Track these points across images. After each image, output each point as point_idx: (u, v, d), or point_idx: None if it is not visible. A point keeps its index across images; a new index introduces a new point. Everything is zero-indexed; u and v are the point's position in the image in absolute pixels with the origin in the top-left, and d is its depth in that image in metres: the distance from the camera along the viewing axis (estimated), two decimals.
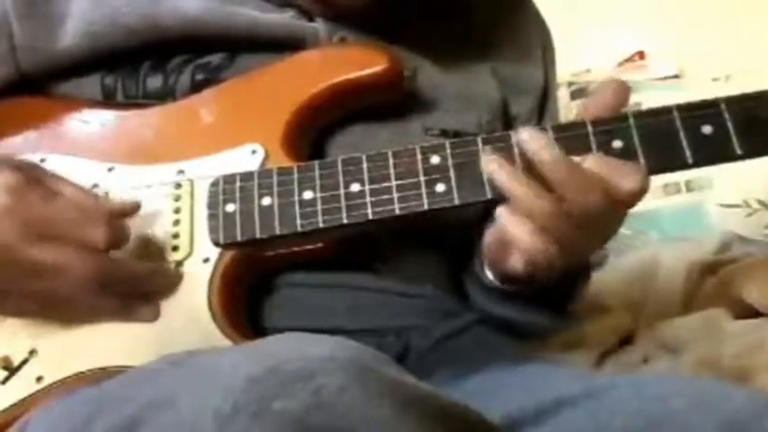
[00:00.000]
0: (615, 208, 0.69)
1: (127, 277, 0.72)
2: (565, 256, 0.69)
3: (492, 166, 0.69)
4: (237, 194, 0.74)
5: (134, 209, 0.74)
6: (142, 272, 0.73)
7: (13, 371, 0.72)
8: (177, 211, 0.76)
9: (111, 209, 0.72)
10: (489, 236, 0.74)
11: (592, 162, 0.68)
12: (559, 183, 0.67)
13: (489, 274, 0.78)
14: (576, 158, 0.68)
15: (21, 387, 0.71)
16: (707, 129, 0.69)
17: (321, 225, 0.72)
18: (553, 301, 0.80)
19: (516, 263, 0.71)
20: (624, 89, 0.72)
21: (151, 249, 0.74)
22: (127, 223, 0.72)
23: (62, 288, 0.68)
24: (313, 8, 0.85)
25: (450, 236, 0.84)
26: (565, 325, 0.84)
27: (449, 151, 0.72)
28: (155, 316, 0.73)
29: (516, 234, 0.68)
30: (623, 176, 0.67)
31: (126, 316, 0.72)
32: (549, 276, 0.72)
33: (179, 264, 0.74)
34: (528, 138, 0.69)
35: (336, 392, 0.49)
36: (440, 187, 0.71)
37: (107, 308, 0.72)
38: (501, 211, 0.69)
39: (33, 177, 0.70)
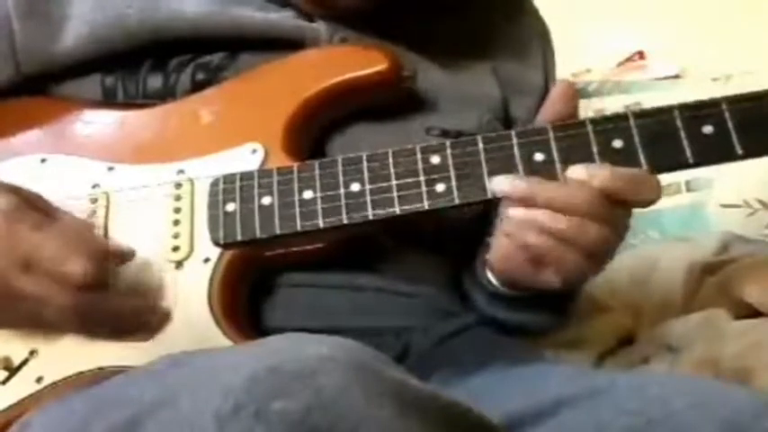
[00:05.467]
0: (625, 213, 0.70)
1: (110, 316, 0.69)
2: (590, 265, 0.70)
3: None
4: (238, 194, 0.74)
5: (128, 256, 0.72)
6: (127, 311, 0.70)
7: (13, 371, 0.72)
8: (177, 210, 0.76)
9: (103, 248, 0.69)
10: (498, 245, 0.74)
11: (603, 182, 0.68)
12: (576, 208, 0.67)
13: (493, 279, 0.78)
14: (580, 173, 0.68)
15: (21, 387, 0.71)
16: (708, 128, 0.69)
17: (321, 225, 0.72)
18: (554, 301, 0.80)
19: (548, 278, 0.72)
20: (572, 92, 0.72)
21: (151, 250, 0.74)
22: (115, 267, 0.70)
23: (45, 316, 0.67)
24: (312, 10, 0.85)
25: (450, 236, 0.84)
26: (564, 323, 0.84)
27: (449, 151, 0.72)
28: (147, 340, 0.71)
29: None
30: (640, 187, 0.68)
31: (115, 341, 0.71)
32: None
33: (179, 264, 0.74)
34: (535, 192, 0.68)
35: (337, 392, 0.49)
36: (440, 187, 0.71)
37: (94, 335, 0.71)
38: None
39: (30, 204, 0.69)
